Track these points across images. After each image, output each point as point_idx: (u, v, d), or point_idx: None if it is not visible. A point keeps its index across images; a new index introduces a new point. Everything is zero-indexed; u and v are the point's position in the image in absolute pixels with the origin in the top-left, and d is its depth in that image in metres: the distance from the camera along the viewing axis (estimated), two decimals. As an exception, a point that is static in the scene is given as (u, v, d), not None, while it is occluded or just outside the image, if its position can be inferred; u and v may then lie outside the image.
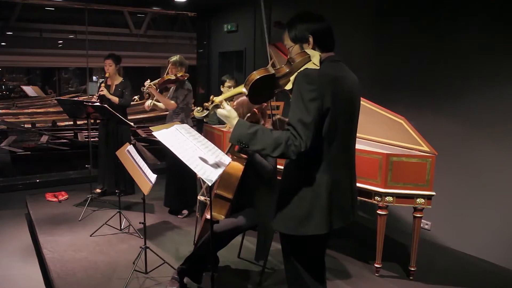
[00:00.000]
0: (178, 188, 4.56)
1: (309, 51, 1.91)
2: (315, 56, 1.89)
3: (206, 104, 1.97)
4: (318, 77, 1.81)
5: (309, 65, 1.86)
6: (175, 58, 4.48)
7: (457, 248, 4.01)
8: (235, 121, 1.89)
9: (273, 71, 1.90)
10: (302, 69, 1.85)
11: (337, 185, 1.93)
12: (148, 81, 4.39)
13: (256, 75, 1.89)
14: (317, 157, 1.87)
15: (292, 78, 1.87)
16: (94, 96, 4.91)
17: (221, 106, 1.94)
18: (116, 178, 5.10)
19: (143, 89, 4.41)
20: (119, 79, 5.08)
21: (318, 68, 1.86)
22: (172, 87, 4.60)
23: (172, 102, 4.44)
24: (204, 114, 1.99)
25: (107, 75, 5.00)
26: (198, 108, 1.98)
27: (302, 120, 1.76)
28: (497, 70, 3.66)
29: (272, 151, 1.78)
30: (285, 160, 2.00)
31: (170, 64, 4.46)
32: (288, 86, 1.88)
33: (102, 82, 5.03)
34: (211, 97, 1.97)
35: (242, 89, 1.93)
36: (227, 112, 1.93)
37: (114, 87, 5.02)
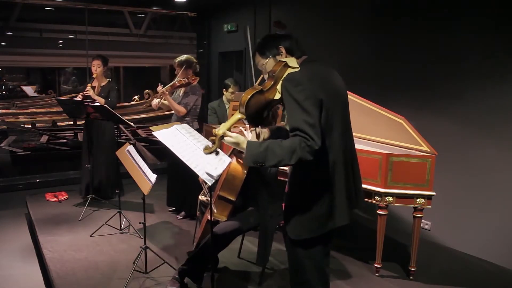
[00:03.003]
0: (180, 189, 4.53)
1: (284, 58, 2.00)
2: (291, 61, 1.97)
3: (212, 138, 1.99)
4: (302, 77, 1.87)
5: (289, 71, 1.93)
6: (180, 58, 4.35)
7: (457, 248, 4.01)
8: (244, 145, 1.89)
9: (260, 87, 1.96)
10: (285, 75, 1.92)
11: (347, 175, 1.98)
12: (161, 86, 4.25)
13: (246, 96, 1.94)
14: (324, 152, 1.88)
15: (278, 87, 1.93)
16: (79, 96, 4.83)
17: (225, 135, 1.95)
18: (100, 181, 5.00)
19: (156, 96, 4.25)
20: (104, 81, 5.00)
21: (299, 69, 1.93)
22: (181, 90, 4.45)
23: (182, 108, 4.33)
24: (214, 149, 2.00)
25: (94, 75, 4.89)
26: (207, 146, 2.00)
27: (306, 120, 1.78)
28: (497, 70, 3.66)
29: (289, 160, 1.78)
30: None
31: (175, 65, 4.35)
32: (277, 96, 1.94)
33: (88, 83, 4.93)
34: (213, 131, 1.98)
35: (238, 115, 1.98)
36: (235, 139, 1.93)
37: (99, 88, 4.93)
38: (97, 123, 4.85)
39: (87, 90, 4.80)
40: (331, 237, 2.06)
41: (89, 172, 4.93)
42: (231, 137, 1.93)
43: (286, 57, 2.02)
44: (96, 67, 4.90)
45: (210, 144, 2.02)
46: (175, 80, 4.34)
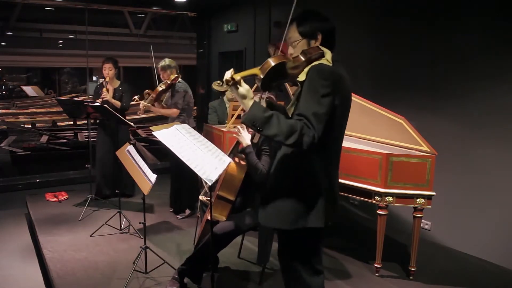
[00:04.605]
0: (180, 188, 4.57)
1: (321, 48, 1.93)
2: (328, 53, 1.92)
3: (228, 78, 1.86)
4: (332, 74, 1.84)
5: (322, 61, 1.88)
6: (162, 63, 4.46)
7: (457, 248, 4.01)
8: (250, 102, 1.83)
9: (291, 59, 1.90)
10: (316, 63, 1.87)
11: (333, 179, 1.98)
12: (142, 103, 4.34)
13: (274, 61, 1.86)
14: (320, 151, 1.88)
15: (306, 69, 1.87)
16: (97, 101, 4.85)
17: (239, 84, 1.86)
18: (114, 180, 5.04)
19: (139, 113, 4.41)
20: (117, 83, 5.04)
21: (331, 65, 1.88)
22: (169, 93, 4.55)
23: (174, 110, 4.42)
24: (223, 89, 1.92)
25: (107, 79, 4.91)
26: (218, 82, 1.92)
27: (316, 112, 1.76)
28: (497, 71, 3.66)
29: (285, 138, 1.75)
30: (280, 154, 2.00)
31: (159, 70, 4.45)
32: (301, 77, 1.87)
33: (103, 87, 4.93)
34: (232, 72, 1.87)
35: (258, 71, 1.89)
36: (246, 91, 1.85)
37: (112, 90, 4.96)
38: (112, 124, 4.87)
39: (104, 95, 4.82)
40: (319, 236, 2.05)
41: (103, 172, 5.01)
42: (243, 88, 1.85)
43: (319, 44, 1.94)
44: (108, 70, 4.93)
45: (221, 96, 1.95)
46: (157, 86, 4.43)
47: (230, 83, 1.85)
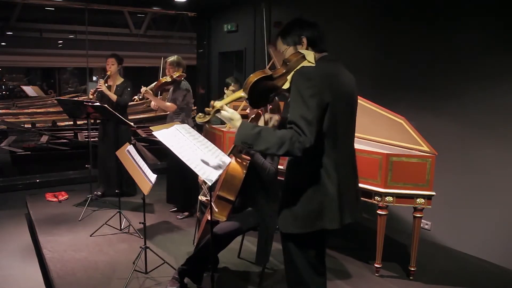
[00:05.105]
0: (179, 188, 4.58)
1: (303, 50, 1.95)
2: (310, 55, 1.93)
3: (208, 109, 2.00)
4: (314, 74, 1.83)
5: (304, 64, 1.90)
6: (172, 58, 4.48)
7: (457, 248, 4.01)
8: (238, 123, 1.90)
9: (270, 72, 1.93)
10: (298, 67, 1.88)
11: (343, 180, 1.96)
12: (144, 88, 4.39)
13: (253, 78, 1.91)
14: (322, 153, 1.88)
15: (289, 77, 1.89)
16: (91, 91, 4.87)
17: (222, 109, 1.97)
18: (116, 179, 5.07)
19: (139, 96, 4.43)
20: (120, 80, 5.07)
21: (314, 65, 1.89)
22: (171, 89, 4.59)
23: (171, 104, 4.45)
24: (206, 120, 2.02)
25: (108, 73, 4.96)
26: (200, 114, 2.01)
27: (304, 116, 1.76)
28: (497, 71, 3.66)
29: (277, 150, 1.77)
30: (288, 159, 2.01)
31: (167, 65, 4.47)
32: (286, 86, 1.91)
33: (102, 79, 5.00)
34: (211, 102, 2.00)
35: (242, 93, 1.97)
36: (230, 114, 1.95)
37: (114, 87, 5.00)
38: (113, 124, 4.88)
39: (100, 86, 4.85)
40: (324, 238, 2.05)
41: (105, 172, 5.06)
42: (227, 112, 1.95)
43: (306, 48, 1.97)
44: (110, 65, 4.96)
45: (207, 125, 2.02)
46: (160, 76, 4.47)
47: (211, 112, 1.97)
